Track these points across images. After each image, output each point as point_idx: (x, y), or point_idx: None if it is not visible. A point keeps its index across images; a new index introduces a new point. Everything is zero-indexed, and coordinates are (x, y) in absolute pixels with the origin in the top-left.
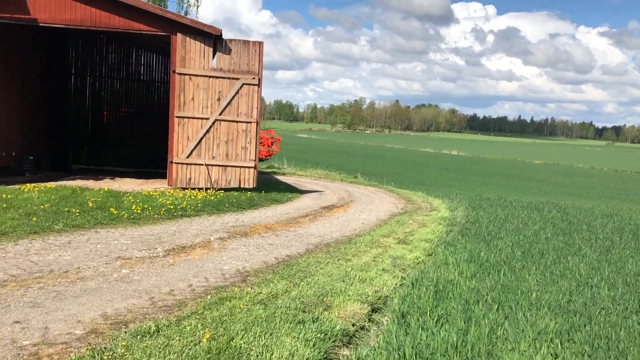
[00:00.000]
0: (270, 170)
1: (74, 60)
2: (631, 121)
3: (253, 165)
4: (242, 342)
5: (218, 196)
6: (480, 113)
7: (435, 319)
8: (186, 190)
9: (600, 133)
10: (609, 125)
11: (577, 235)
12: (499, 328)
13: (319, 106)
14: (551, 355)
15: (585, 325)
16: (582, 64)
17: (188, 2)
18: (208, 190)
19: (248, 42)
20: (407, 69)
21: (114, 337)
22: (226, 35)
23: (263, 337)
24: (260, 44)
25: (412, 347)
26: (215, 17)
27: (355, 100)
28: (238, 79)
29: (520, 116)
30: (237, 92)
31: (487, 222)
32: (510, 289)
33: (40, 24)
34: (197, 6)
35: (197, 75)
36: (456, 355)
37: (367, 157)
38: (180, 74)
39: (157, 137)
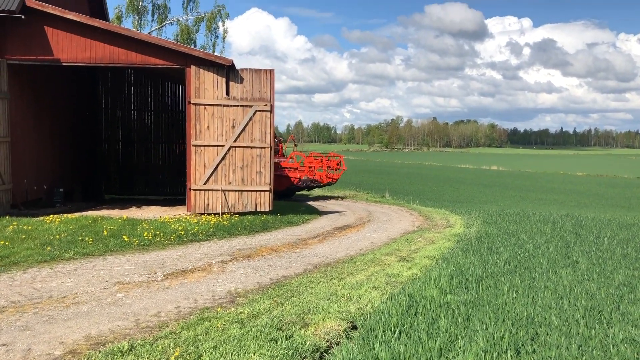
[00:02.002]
0: (298, 193)
1: (104, 94)
2: None
3: (268, 189)
4: (208, 359)
5: (232, 220)
6: (521, 127)
7: (398, 333)
8: (202, 216)
9: None
10: None
11: (578, 248)
12: (459, 339)
13: (356, 127)
14: None
15: (543, 337)
16: (624, 71)
17: (216, 33)
18: (223, 215)
19: (259, 70)
20: (443, 85)
21: (89, 356)
22: (263, 63)
23: (230, 355)
24: (271, 71)
25: None
26: (252, 46)
27: (393, 119)
28: (251, 106)
29: (562, 128)
30: (251, 119)
31: (494, 237)
32: (483, 302)
33: (63, 64)
34: (224, 37)
35: (211, 105)
36: None
37: (403, 176)
38: (195, 104)
39: (185, 165)
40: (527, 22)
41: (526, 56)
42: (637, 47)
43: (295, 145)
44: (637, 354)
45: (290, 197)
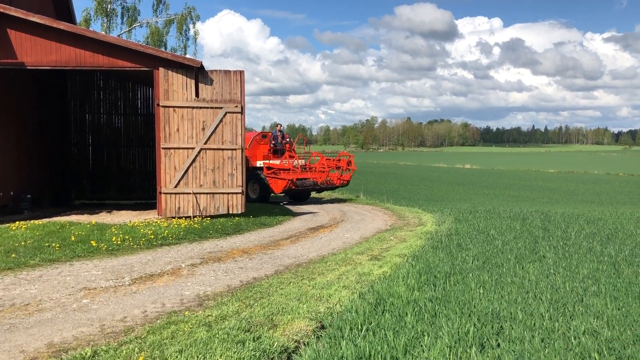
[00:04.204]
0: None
1: (72, 98)
2: None
3: (240, 191)
4: None
5: (203, 223)
6: (494, 125)
7: (364, 331)
8: (173, 220)
9: (616, 138)
10: (625, 130)
11: (545, 243)
12: (424, 336)
13: (331, 128)
14: None
15: (508, 331)
16: (591, 70)
17: (186, 35)
18: (195, 218)
19: (229, 71)
20: (416, 85)
21: None
22: (236, 65)
23: (196, 358)
24: (241, 72)
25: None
26: (224, 48)
27: (367, 120)
28: (221, 107)
29: (534, 126)
30: (221, 120)
31: (464, 235)
32: (450, 298)
33: (28, 67)
34: (195, 39)
35: (181, 107)
36: None
37: (378, 176)
38: (164, 106)
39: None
40: (497, 22)
41: (496, 55)
42: (603, 46)
43: (306, 145)
44: (598, 345)
45: (305, 200)
